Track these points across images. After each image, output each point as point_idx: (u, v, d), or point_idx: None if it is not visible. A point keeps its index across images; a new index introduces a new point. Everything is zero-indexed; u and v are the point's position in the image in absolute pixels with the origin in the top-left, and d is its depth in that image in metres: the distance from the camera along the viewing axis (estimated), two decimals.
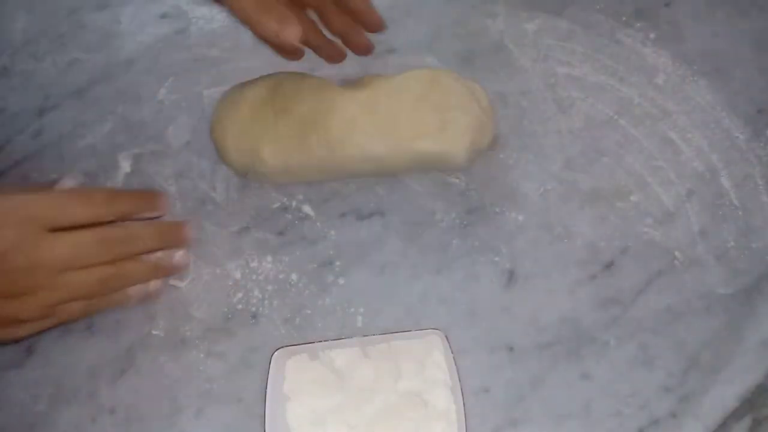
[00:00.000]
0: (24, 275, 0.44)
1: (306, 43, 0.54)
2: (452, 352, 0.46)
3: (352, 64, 0.57)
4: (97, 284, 0.47)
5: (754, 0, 0.62)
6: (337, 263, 0.52)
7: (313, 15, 0.55)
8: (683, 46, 0.60)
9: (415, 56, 0.59)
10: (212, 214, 0.54)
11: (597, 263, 0.52)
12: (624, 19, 0.61)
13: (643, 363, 0.48)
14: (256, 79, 0.54)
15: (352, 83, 0.54)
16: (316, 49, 0.56)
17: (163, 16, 0.64)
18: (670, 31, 0.61)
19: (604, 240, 0.52)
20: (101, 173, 0.56)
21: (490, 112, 0.53)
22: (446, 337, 0.47)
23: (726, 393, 0.47)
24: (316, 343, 0.48)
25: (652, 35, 0.60)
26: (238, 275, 0.52)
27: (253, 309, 0.51)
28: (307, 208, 0.54)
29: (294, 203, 0.55)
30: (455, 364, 0.46)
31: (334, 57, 0.57)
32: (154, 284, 0.51)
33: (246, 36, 0.61)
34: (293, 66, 0.54)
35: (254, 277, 0.52)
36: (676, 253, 0.52)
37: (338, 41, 0.56)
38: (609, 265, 0.52)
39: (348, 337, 0.49)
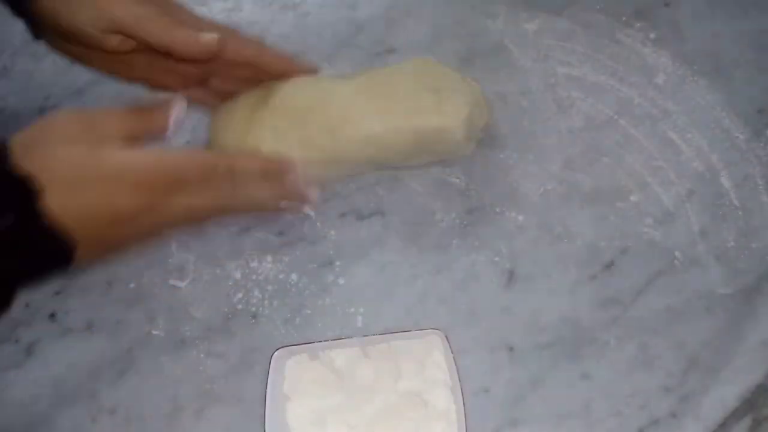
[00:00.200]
0: (147, 229, 0.45)
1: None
2: (452, 352, 0.46)
3: (349, 65, 0.57)
4: (204, 221, 0.48)
5: (754, 0, 0.62)
6: (337, 263, 0.52)
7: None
8: (683, 46, 0.60)
9: (415, 56, 0.59)
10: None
11: (597, 263, 0.52)
12: (624, 19, 0.61)
13: (643, 363, 0.48)
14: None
15: (346, 76, 0.54)
16: None
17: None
18: (670, 31, 0.61)
19: (604, 240, 0.52)
20: None
21: (483, 97, 0.54)
22: (446, 337, 0.47)
23: (726, 393, 0.47)
24: (316, 343, 0.48)
25: (652, 35, 0.60)
26: (238, 275, 0.52)
27: (253, 309, 0.51)
28: (307, 208, 0.54)
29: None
30: (455, 364, 0.46)
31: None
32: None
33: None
34: None
35: (254, 277, 0.52)
36: (676, 253, 0.52)
37: None
38: (609, 265, 0.52)
39: (348, 337, 0.49)
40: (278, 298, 0.51)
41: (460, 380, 0.45)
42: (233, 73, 0.52)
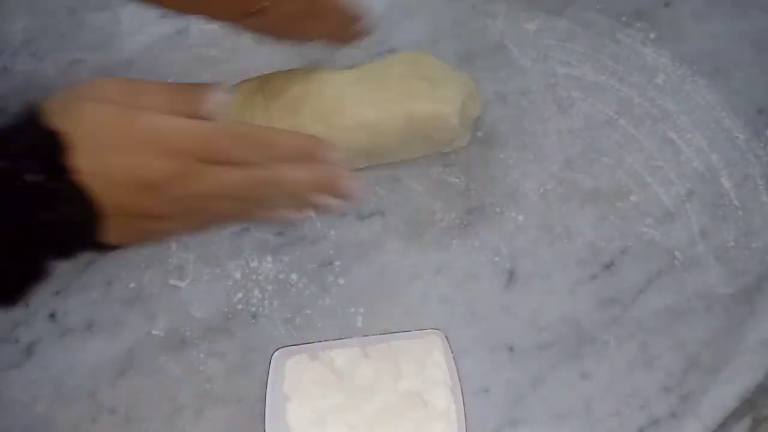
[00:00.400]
0: (176, 203, 0.43)
1: None
2: (452, 352, 0.46)
3: (349, 65, 0.57)
4: (241, 211, 0.47)
5: (754, 0, 0.62)
6: (337, 263, 0.52)
7: None
8: (683, 46, 0.60)
9: None
10: None
11: (597, 263, 0.52)
12: (624, 19, 0.61)
13: (643, 363, 0.48)
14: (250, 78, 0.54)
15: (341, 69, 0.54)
16: None
17: (163, 16, 0.64)
18: (670, 31, 0.61)
19: (604, 240, 0.52)
20: None
21: (476, 90, 0.54)
22: (446, 337, 0.47)
23: (726, 393, 0.47)
24: (316, 343, 0.48)
25: (652, 35, 0.60)
26: (238, 275, 0.52)
27: (253, 309, 0.51)
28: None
29: None
30: (455, 364, 0.46)
31: None
32: (293, 213, 0.49)
33: (246, 36, 0.61)
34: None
35: (254, 277, 0.52)
36: (676, 253, 0.52)
37: None
38: (609, 265, 0.52)
39: (348, 337, 0.49)
40: (278, 298, 0.51)
41: (460, 380, 0.45)
42: (290, 4, 0.50)
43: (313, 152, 0.46)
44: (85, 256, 0.50)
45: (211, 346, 0.50)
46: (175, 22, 0.63)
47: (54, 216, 0.40)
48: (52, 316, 0.52)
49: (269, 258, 0.53)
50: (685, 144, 0.56)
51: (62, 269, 0.45)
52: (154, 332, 0.51)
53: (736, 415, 0.47)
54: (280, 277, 0.52)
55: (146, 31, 0.63)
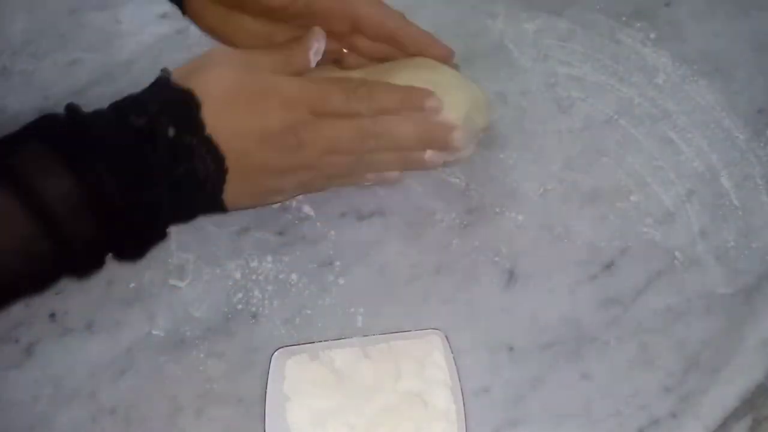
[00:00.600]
0: (291, 154, 0.47)
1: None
2: (452, 352, 0.46)
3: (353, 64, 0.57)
4: (346, 168, 0.50)
5: (754, 0, 0.62)
6: (337, 263, 0.52)
7: None
8: (683, 46, 0.60)
9: None
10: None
11: (597, 263, 0.52)
12: (624, 19, 0.61)
13: (643, 363, 0.48)
14: None
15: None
16: None
17: (163, 16, 0.64)
18: (670, 31, 0.61)
19: (604, 240, 0.52)
20: None
21: (485, 99, 0.54)
22: (446, 337, 0.47)
23: (726, 393, 0.47)
24: (316, 343, 0.48)
25: (652, 35, 0.60)
26: (238, 275, 0.52)
27: (253, 309, 0.51)
28: (307, 208, 0.54)
29: (294, 203, 0.55)
30: (455, 364, 0.46)
31: None
32: (391, 174, 0.52)
33: None
34: None
35: (254, 277, 0.52)
36: (676, 253, 0.52)
37: None
38: (609, 265, 0.52)
39: (348, 337, 0.49)
40: (278, 298, 0.51)
41: (460, 380, 0.45)
42: (371, 49, 0.53)
43: (417, 103, 0.49)
44: None
45: (211, 346, 0.50)
46: (175, 22, 0.63)
47: (186, 169, 0.43)
48: (52, 316, 0.52)
49: (269, 258, 0.53)
50: (685, 144, 0.56)
51: None
52: (154, 332, 0.51)
53: (736, 415, 0.47)
54: (280, 277, 0.52)
55: (146, 31, 0.63)
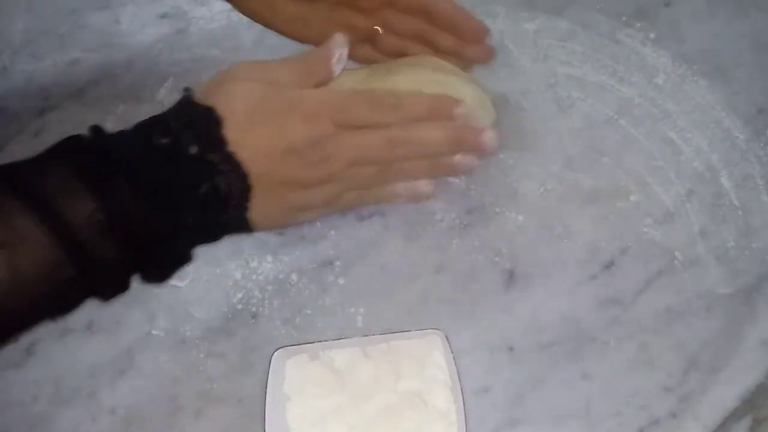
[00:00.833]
0: (316, 168, 0.46)
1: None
2: (452, 352, 0.46)
3: (350, 65, 0.57)
4: (376, 178, 0.49)
5: (754, 0, 0.62)
6: (337, 263, 0.52)
7: None
8: (683, 46, 0.60)
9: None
10: None
11: (597, 263, 0.52)
12: (624, 19, 0.61)
13: (643, 363, 0.48)
14: None
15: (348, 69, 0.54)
16: None
17: (163, 16, 0.64)
18: (670, 31, 0.61)
19: (604, 240, 0.52)
20: None
21: (488, 99, 0.54)
22: (446, 337, 0.47)
23: (726, 393, 0.47)
24: (316, 343, 0.48)
25: (652, 35, 0.60)
26: (238, 275, 0.52)
27: (253, 309, 0.51)
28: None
29: None
30: (455, 364, 0.46)
31: None
32: (425, 185, 0.52)
33: (246, 36, 0.61)
34: None
35: (254, 277, 0.52)
36: (676, 253, 0.52)
37: None
38: (609, 265, 0.52)
39: (348, 337, 0.49)
40: (278, 298, 0.51)
41: (460, 380, 0.45)
42: (404, 24, 0.52)
43: (445, 112, 0.49)
44: None
45: (211, 346, 0.50)
46: (175, 22, 0.63)
47: (209, 187, 0.43)
48: None
49: (269, 258, 0.53)
50: (685, 144, 0.56)
51: None
52: (154, 332, 0.51)
53: (736, 415, 0.47)
54: (280, 277, 0.52)
55: (146, 31, 0.63)
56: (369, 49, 0.54)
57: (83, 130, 0.58)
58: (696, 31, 0.60)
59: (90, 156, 0.42)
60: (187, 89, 0.45)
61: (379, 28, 0.53)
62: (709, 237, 0.52)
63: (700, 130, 0.56)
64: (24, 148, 0.57)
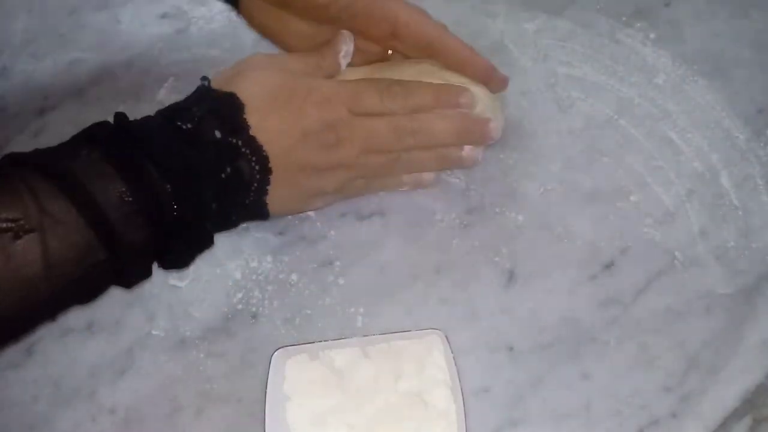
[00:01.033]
0: (330, 151, 0.48)
1: None
2: (452, 352, 0.46)
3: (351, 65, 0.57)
4: (384, 168, 0.51)
5: (754, 0, 0.62)
6: (337, 263, 0.52)
7: None
8: (683, 46, 0.60)
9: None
10: None
11: (597, 263, 0.52)
12: (624, 19, 0.61)
13: (643, 363, 0.48)
14: None
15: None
16: None
17: (163, 16, 0.64)
18: (670, 31, 0.61)
19: (604, 240, 0.52)
20: None
21: (492, 95, 0.54)
22: (446, 337, 0.47)
23: (726, 393, 0.47)
24: (316, 343, 0.48)
25: (652, 35, 0.60)
26: (238, 275, 0.52)
27: (253, 309, 0.51)
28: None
29: None
30: (455, 364, 0.46)
31: None
32: (428, 174, 0.53)
33: (246, 36, 0.61)
34: None
35: (254, 277, 0.52)
36: (676, 253, 0.52)
37: None
38: (609, 265, 0.52)
39: (348, 337, 0.49)
40: (278, 298, 0.51)
41: (460, 380, 0.45)
42: (412, 54, 0.53)
43: (452, 100, 0.51)
44: None
45: (211, 346, 0.50)
46: (175, 22, 0.63)
47: (232, 170, 0.44)
48: None
49: (269, 258, 0.53)
50: (685, 144, 0.56)
51: None
52: (154, 332, 0.51)
53: (736, 415, 0.47)
54: (280, 277, 0.52)
55: (146, 31, 0.63)
56: (364, 68, 0.55)
57: None
58: (696, 31, 0.60)
59: (117, 140, 0.43)
60: (204, 78, 0.47)
61: (389, 52, 0.54)
62: (709, 237, 0.52)
63: (700, 130, 0.56)
64: (24, 148, 0.57)
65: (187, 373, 0.49)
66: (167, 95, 0.59)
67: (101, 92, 0.60)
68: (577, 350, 0.49)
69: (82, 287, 0.42)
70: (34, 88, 0.61)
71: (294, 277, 0.52)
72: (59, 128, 0.58)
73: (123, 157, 0.42)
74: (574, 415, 0.47)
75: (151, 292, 0.52)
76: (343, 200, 0.53)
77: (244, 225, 0.54)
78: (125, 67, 0.61)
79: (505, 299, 0.51)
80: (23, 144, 0.58)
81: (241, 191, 0.46)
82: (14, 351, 0.51)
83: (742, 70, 0.58)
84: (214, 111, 0.45)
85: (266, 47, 0.56)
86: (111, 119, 0.44)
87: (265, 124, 0.46)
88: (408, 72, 0.52)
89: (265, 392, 0.46)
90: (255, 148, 0.45)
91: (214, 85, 0.47)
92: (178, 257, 0.46)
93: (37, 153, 0.42)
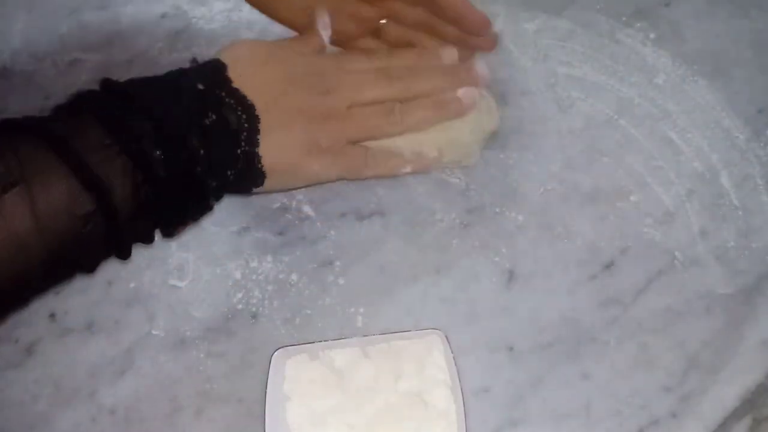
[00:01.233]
0: (319, 96, 0.49)
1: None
2: (452, 352, 0.46)
3: None
4: (380, 120, 0.50)
5: (754, 0, 0.62)
6: (337, 263, 0.52)
7: None
8: (683, 46, 0.60)
9: None
10: (212, 213, 0.54)
11: (597, 263, 0.52)
12: (624, 19, 0.61)
13: (643, 363, 0.48)
14: None
15: None
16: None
17: (163, 16, 0.64)
18: (670, 31, 0.61)
19: (604, 240, 0.52)
20: None
21: (493, 105, 0.54)
22: (446, 337, 0.47)
23: (726, 393, 0.47)
24: (316, 343, 0.48)
25: (652, 35, 0.60)
26: (238, 275, 0.52)
27: (253, 309, 0.51)
28: (307, 208, 0.54)
29: (294, 203, 0.55)
30: (455, 364, 0.46)
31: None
32: (431, 150, 0.52)
33: (246, 36, 0.61)
34: None
35: (254, 277, 0.52)
36: (676, 253, 0.52)
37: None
38: (609, 265, 0.52)
39: (348, 337, 0.49)
40: (278, 298, 0.51)
41: (460, 380, 0.45)
42: (409, 14, 0.53)
43: (435, 56, 0.53)
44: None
45: (211, 346, 0.50)
46: (175, 22, 0.63)
47: (218, 118, 0.45)
48: (52, 316, 0.52)
49: (269, 258, 0.53)
50: (685, 144, 0.56)
51: None
52: (154, 332, 0.51)
53: (736, 415, 0.47)
54: (280, 277, 0.52)
55: (146, 31, 0.63)
56: (371, 41, 0.55)
57: None
58: (696, 31, 0.60)
59: (98, 96, 0.43)
60: (193, 60, 0.48)
61: (384, 21, 0.54)
62: (709, 237, 0.52)
63: (700, 130, 0.56)
64: None
65: (187, 373, 0.49)
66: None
67: None
68: (577, 350, 0.49)
69: (76, 248, 0.41)
70: (34, 88, 0.61)
71: (294, 277, 0.52)
72: None
73: (102, 106, 0.42)
74: (574, 415, 0.47)
75: (151, 292, 0.52)
76: (342, 177, 0.52)
77: (243, 225, 0.54)
78: (125, 67, 0.61)
79: (505, 299, 0.51)
80: None
81: (229, 139, 0.45)
82: (14, 351, 0.51)
83: (742, 70, 0.58)
84: (196, 69, 0.47)
85: None
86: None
87: (249, 79, 0.46)
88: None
89: (265, 392, 0.46)
90: (239, 98, 0.46)
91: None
92: (174, 214, 0.45)
93: (26, 117, 0.42)
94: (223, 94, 0.45)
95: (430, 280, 0.52)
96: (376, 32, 0.54)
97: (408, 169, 0.53)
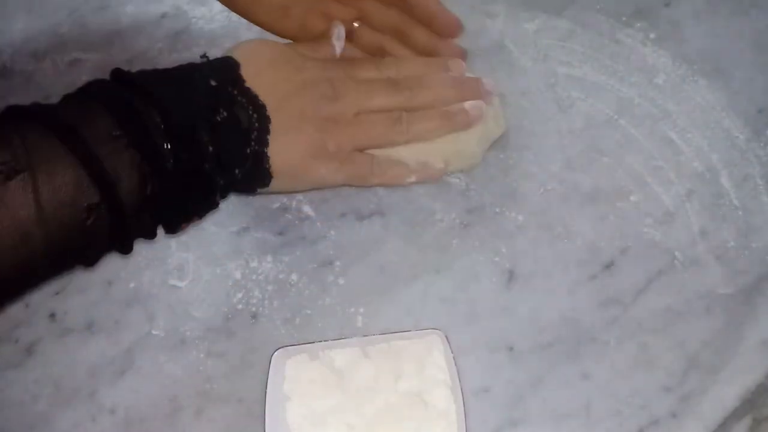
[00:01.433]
0: (328, 103, 0.49)
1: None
2: (452, 352, 0.46)
3: None
4: (387, 129, 0.51)
5: (754, 0, 0.62)
6: (337, 263, 0.52)
7: None
8: (683, 46, 0.60)
9: None
10: (212, 213, 0.54)
11: (597, 263, 0.52)
12: (624, 19, 0.61)
13: (643, 363, 0.48)
14: None
15: None
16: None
17: (163, 16, 0.64)
18: (670, 31, 0.61)
19: (604, 240, 0.52)
20: None
21: (495, 101, 0.54)
22: (446, 337, 0.47)
23: (726, 393, 0.47)
24: (316, 343, 0.48)
25: (652, 35, 0.60)
26: (238, 275, 0.52)
27: (253, 309, 0.51)
28: (307, 208, 0.54)
29: (294, 203, 0.55)
30: (455, 364, 0.46)
31: None
32: (436, 161, 0.52)
33: (246, 36, 0.61)
34: None
35: (254, 277, 0.52)
36: (676, 253, 0.52)
37: None
38: (609, 265, 0.52)
39: (348, 337, 0.49)
40: (278, 298, 0.51)
41: (460, 380, 0.45)
42: (382, 16, 0.54)
43: (442, 65, 0.53)
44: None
45: (211, 346, 0.50)
46: (175, 22, 0.63)
47: (229, 115, 0.45)
48: (52, 316, 0.52)
49: (269, 258, 0.53)
50: (685, 144, 0.56)
51: None
52: (154, 332, 0.51)
53: (736, 415, 0.47)
54: (280, 277, 0.52)
55: (146, 31, 0.63)
56: (348, 47, 0.55)
57: None
58: (696, 31, 0.60)
59: (108, 86, 0.43)
60: (203, 56, 0.48)
61: (356, 24, 0.54)
62: (709, 237, 0.52)
63: (700, 130, 0.56)
64: None
65: (187, 373, 0.49)
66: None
67: None
68: (577, 350, 0.49)
69: (79, 239, 0.41)
70: (34, 88, 0.61)
71: (294, 277, 0.52)
72: None
73: (111, 96, 0.42)
74: (574, 415, 0.47)
75: (151, 292, 0.52)
76: (347, 183, 0.52)
77: (243, 225, 0.54)
78: (125, 68, 0.61)
79: (505, 299, 0.51)
80: None
81: (239, 137, 0.45)
82: (14, 351, 0.51)
83: (742, 70, 0.58)
84: (209, 66, 0.47)
85: None
86: None
87: (261, 79, 0.47)
88: None
89: (265, 392, 0.46)
90: (251, 97, 0.46)
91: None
92: (180, 209, 0.45)
93: (34, 104, 0.42)
94: (236, 92, 0.45)
95: (430, 280, 0.52)
96: (349, 35, 0.54)
97: (413, 179, 0.53)
